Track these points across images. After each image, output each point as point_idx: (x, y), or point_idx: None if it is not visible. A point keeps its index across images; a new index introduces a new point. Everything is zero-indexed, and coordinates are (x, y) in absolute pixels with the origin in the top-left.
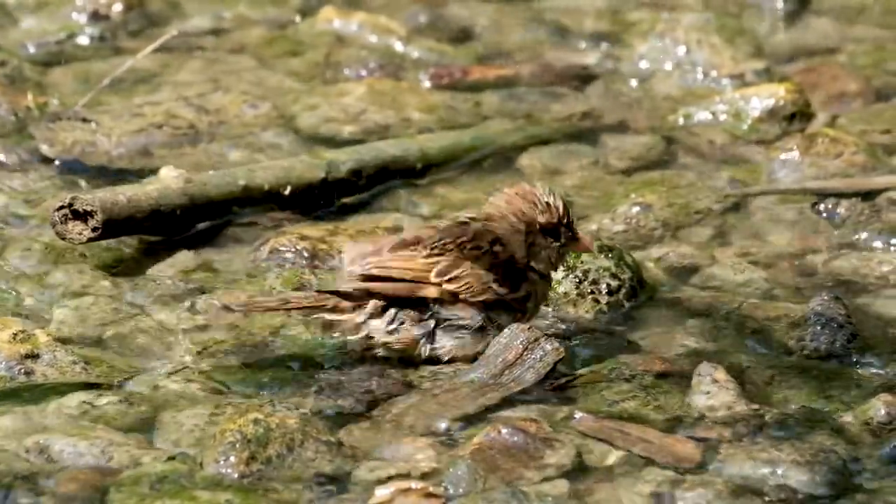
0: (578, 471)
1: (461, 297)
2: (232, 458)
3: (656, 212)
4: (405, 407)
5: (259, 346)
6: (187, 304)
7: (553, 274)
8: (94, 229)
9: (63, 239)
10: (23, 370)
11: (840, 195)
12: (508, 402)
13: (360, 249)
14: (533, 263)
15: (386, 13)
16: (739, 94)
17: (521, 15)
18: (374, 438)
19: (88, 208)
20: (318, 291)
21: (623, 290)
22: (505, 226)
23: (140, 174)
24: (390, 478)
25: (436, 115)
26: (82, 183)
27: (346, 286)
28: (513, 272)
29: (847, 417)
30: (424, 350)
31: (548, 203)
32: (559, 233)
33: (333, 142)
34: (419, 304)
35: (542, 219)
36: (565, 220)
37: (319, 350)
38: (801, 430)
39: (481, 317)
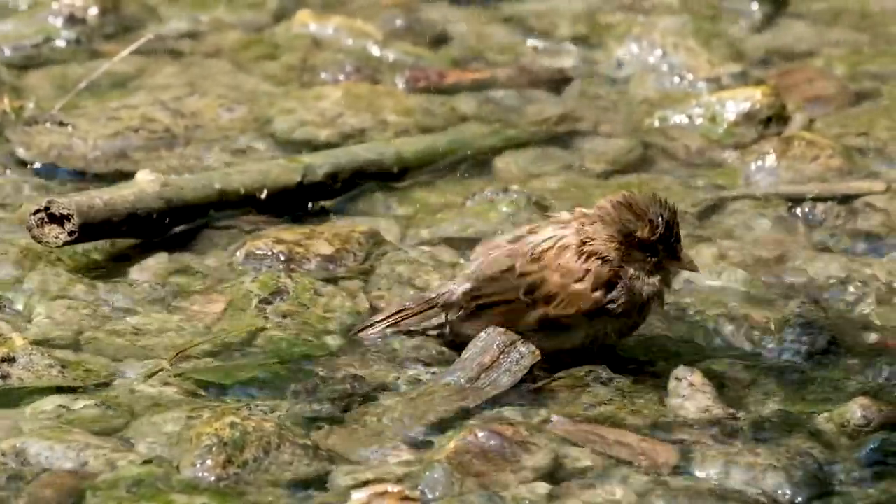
0: (555, 474)
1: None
2: (208, 462)
3: None
4: (381, 410)
5: (235, 349)
6: (164, 307)
7: (665, 288)
8: (70, 233)
9: (39, 242)
10: None
11: (817, 198)
12: (485, 405)
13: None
14: (630, 270)
15: (362, 17)
16: (716, 98)
17: (498, 18)
18: (350, 442)
19: (65, 212)
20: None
21: None
22: (604, 232)
23: (116, 178)
24: (367, 482)
25: (412, 119)
26: (58, 186)
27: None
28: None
29: (824, 420)
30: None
31: (650, 219)
32: (656, 249)
33: (309, 145)
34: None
35: (640, 234)
36: (664, 237)
37: (296, 353)
38: (778, 433)
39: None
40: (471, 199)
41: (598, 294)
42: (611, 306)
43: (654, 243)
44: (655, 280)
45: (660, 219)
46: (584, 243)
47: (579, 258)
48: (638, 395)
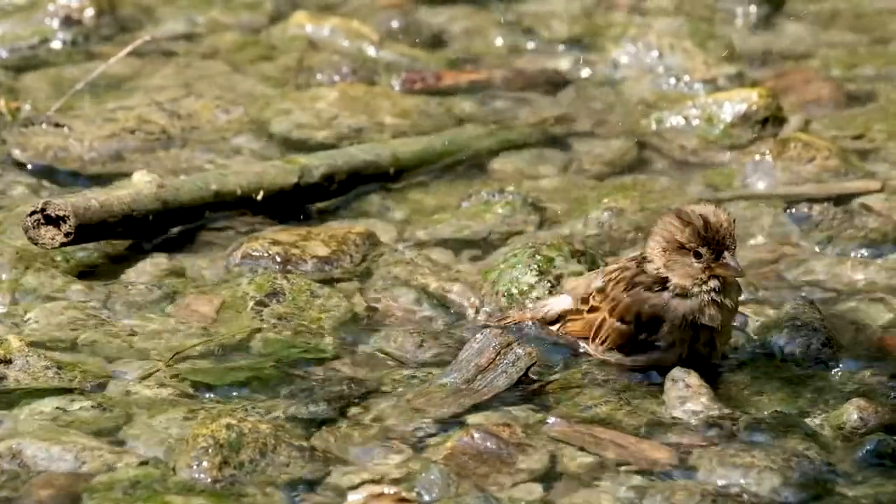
0: (551, 476)
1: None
2: (205, 463)
3: (629, 217)
4: (378, 412)
5: (232, 350)
6: (160, 308)
7: (726, 303)
8: (66, 234)
9: (36, 244)
10: None
11: (813, 200)
12: (481, 406)
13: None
14: (674, 279)
15: (358, 18)
16: (712, 99)
17: (494, 20)
18: (346, 443)
19: (61, 213)
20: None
21: None
22: (653, 240)
23: (113, 179)
24: (363, 483)
25: (409, 120)
26: (55, 188)
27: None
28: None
29: (820, 422)
30: None
31: (687, 221)
32: (700, 253)
33: (306, 147)
34: None
35: (679, 237)
36: (707, 240)
37: (292, 355)
38: (774, 435)
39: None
40: (467, 201)
41: (639, 336)
42: (658, 344)
43: (696, 247)
44: (705, 290)
45: (701, 221)
46: (638, 274)
47: (626, 288)
48: (634, 396)
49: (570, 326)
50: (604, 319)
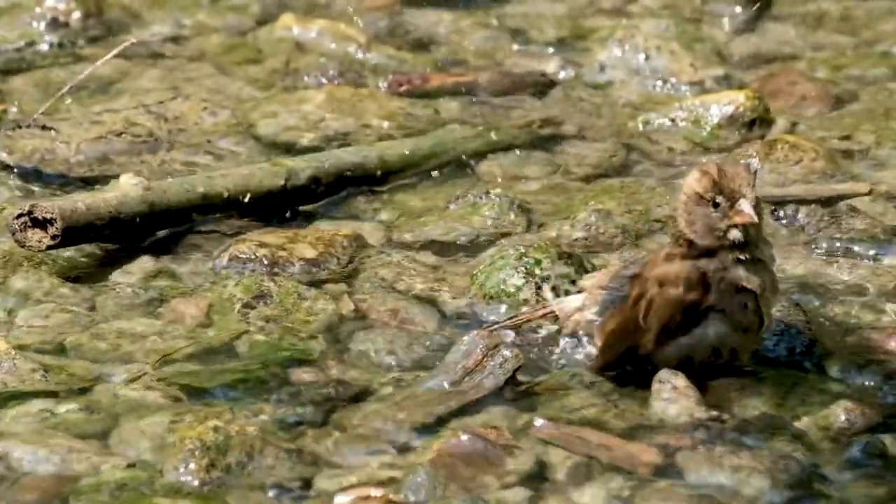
0: (538, 478)
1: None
2: (192, 466)
3: (616, 219)
4: (365, 414)
5: (218, 353)
6: (147, 311)
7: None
8: (53, 237)
9: (22, 247)
10: None
11: (800, 201)
12: (468, 408)
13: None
14: (697, 239)
15: (345, 20)
16: (699, 101)
17: (481, 22)
18: (333, 446)
19: (48, 216)
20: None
21: None
22: (679, 201)
23: (100, 182)
24: (350, 485)
25: (395, 123)
26: (41, 190)
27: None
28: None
29: (807, 424)
30: None
31: (705, 172)
32: (717, 202)
33: (293, 149)
34: None
35: (697, 187)
36: (722, 188)
37: (279, 357)
38: (761, 436)
39: None
40: (454, 203)
41: (692, 295)
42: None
43: (714, 196)
44: (727, 244)
45: (716, 170)
46: (670, 251)
47: (664, 260)
48: (621, 398)
49: (609, 325)
50: (651, 299)
